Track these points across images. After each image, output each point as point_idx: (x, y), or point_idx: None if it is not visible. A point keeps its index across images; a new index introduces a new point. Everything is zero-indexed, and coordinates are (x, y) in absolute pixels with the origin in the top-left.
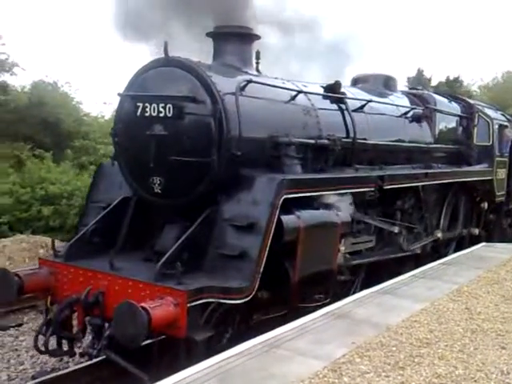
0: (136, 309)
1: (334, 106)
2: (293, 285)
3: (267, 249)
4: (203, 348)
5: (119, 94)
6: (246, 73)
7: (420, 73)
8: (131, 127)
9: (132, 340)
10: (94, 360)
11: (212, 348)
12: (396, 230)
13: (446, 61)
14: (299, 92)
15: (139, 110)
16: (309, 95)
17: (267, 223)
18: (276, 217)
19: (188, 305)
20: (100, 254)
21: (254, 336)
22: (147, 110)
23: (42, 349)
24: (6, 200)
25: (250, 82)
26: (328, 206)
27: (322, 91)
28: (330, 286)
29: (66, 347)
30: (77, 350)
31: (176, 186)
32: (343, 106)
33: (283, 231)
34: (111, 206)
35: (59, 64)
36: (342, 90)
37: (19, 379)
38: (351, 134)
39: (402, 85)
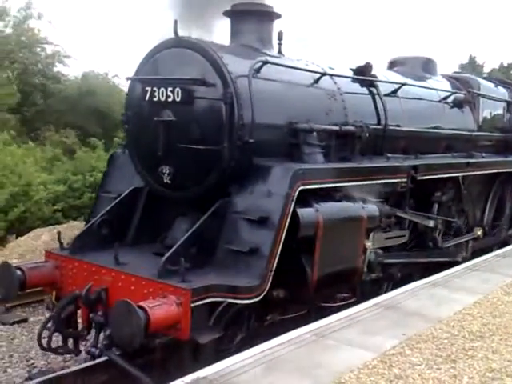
0: (132, 308)
1: (364, 90)
2: (311, 283)
3: (280, 245)
4: (210, 351)
5: (128, 78)
6: (265, 54)
7: (472, 59)
8: (140, 113)
9: (128, 342)
10: (97, 360)
11: (221, 351)
12: (431, 224)
13: (499, 47)
14: (323, 74)
15: (147, 95)
16: (335, 78)
17: (280, 217)
18: (290, 210)
19: (192, 304)
20: (108, 247)
21: (269, 338)
22: (155, 94)
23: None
24: (61, 188)
25: (265, 63)
26: (352, 199)
27: (351, 74)
28: (356, 285)
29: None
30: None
31: (185, 176)
32: (374, 90)
33: (299, 226)
34: (121, 197)
35: (109, 56)
36: (374, 72)
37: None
38: (382, 121)
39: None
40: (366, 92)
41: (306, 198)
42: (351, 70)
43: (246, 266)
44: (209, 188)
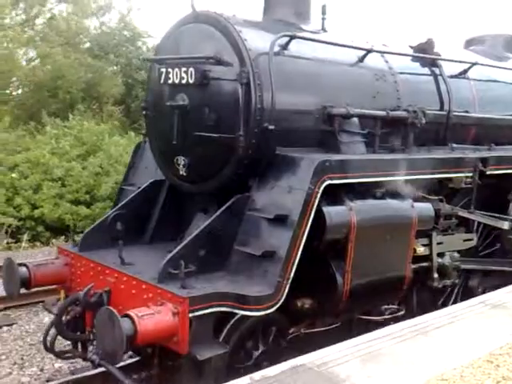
0: (114, 318)
1: (424, 70)
2: (341, 294)
3: (300, 248)
4: (213, 369)
5: (144, 59)
6: (300, 29)
7: None
8: (156, 97)
9: (111, 354)
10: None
11: (234, 369)
12: (506, 226)
13: None
14: (368, 51)
15: (163, 77)
16: (386, 56)
17: (300, 216)
18: (314, 208)
19: (190, 314)
20: (125, 243)
21: (293, 354)
22: (170, 76)
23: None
24: None
25: (292, 37)
26: (399, 196)
27: (409, 52)
28: (403, 296)
29: None
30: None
31: (201, 168)
32: (436, 71)
33: (325, 226)
34: (138, 190)
35: None
36: (438, 50)
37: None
38: (446, 106)
39: None
40: (428, 72)
41: (337, 195)
42: (410, 47)
43: (261, 272)
44: (225, 181)
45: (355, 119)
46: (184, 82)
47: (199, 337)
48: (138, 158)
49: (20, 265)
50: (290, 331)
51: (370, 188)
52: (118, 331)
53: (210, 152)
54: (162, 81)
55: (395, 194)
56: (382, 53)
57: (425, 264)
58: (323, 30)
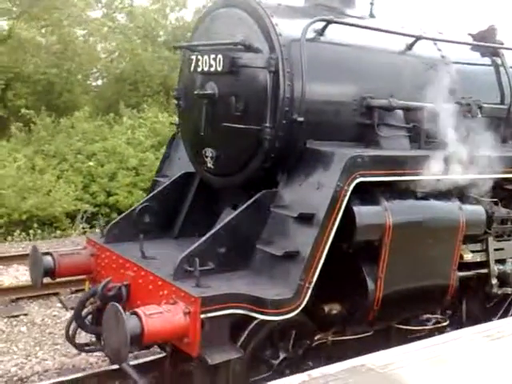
0: (120, 315)
1: (484, 60)
2: (373, 300)
3: (325, 250)
4: (231, 375)
5: (174, 47)
6: (343, 14)
7: None
8: (187, 86)
9: (115, 353)
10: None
11: (251, 377)
12: None
13: None
14: (417, 38)
15: (193, 65)
16: (440, 44)
17: (326, 215)
18: (342, 207)
19: (202, 315)
20: (151, 237)
21: (319, 361)
22: (199, 63)
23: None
24: None
25: (329, 22)
26: (444, 197)
27: (468, 40)
28: (449, 306)
29: None
30: None
31: (228, 161)
32: (498, 61)
33: (355, 227)
34: (168, 182)
35: None
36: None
37: None
38: (507, 99)
39: None
40: (487, 63)
41: (372, 194)
42: (470, 35)
43: (283, 274)
44: (252, 175)
45: (399, 112)
46: (213, 69)
47: (212, 340)
48: (173, 149)
49: (46, 254)
50: (316, 338)
51: (411, 187)
52: (123, 329)
53: (237, 144)
54: (192, 69)
55: (440, 195)
56: (435, 40)
57: (476, 272)
58: (371, 15)
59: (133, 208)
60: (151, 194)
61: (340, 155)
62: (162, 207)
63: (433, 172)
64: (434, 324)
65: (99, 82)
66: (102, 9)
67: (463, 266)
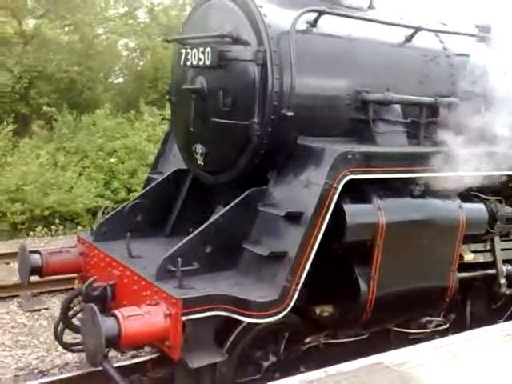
0: (95, 317)
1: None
2: (366, 303)
3: (313, 250)
4: (217, 380)
5: (165, 40)
6: (338, 4)
7: None
8: (178, 81)
9: (92, 355)
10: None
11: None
12: None
13: None
14: (417, 29)
15: (182, 58)
16: (442, 36)
17: (314, 214)
18: (331, 205)
19: (183, 318)
20: (142, 235)
21: (311, 365)
22: (189, 57)
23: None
24: None
25: (321, 13)
26: (443, 195)
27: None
28: (448, 308)
29: None
30: None
31: (218, 157)
32: None
33: (345, 226)
34: (160, 179)
35: None
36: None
37: None
38: None
39: None
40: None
41: (365, 192)
42: (477, 27)
43: (269, 275)
44: (242, 172)
45: (396, 106)
46: (201, 63)
47: (195, 343)
48: (168, 145)
49: (34, 252)
50: (307, 340)
51: (407, 185)
52: (98, 331)
53: (225, 140)
54: (181, 63)
55: (438, 193)
56: (437, 32)
57: (481, 272)
58: (371, 6)
59: (123, 205)
60: (142, 192)
61: (330, 152)
62: (153, 205)
63: (425, 170)
64: (435, 326)
65: (120, 80)
66: (124, 7)
67: (466, 266)
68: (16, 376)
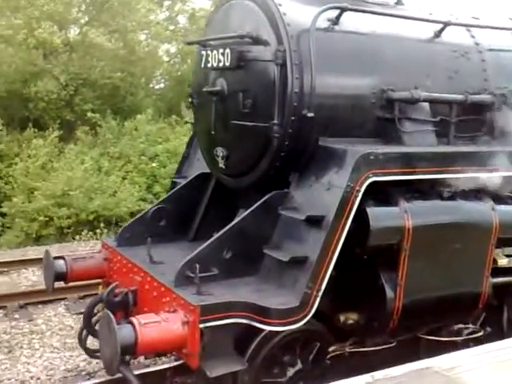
0: (111, 325)
1: None
2: (392, 310)
3: (334, 255)
4: None
5: (184, 42)
6: (364, 1)
7: None
8: (200, 83)
9: (108, 364)
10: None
11: None
12: None
13: None
14: (446, 24)
15: (203, 60)
16: (473, 30)
17: (335, 218)
18: (353, 209)
19: (201, 325)
20: (166, 240)
21: (334, 377)
22: (209, 59)
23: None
24: None
25: (344, 10)
26: (475, 196)
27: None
28: (481, 314)
29: None
30: None
31: (238, 160)
32: None
33: (368, 230)
34: (183, 183)
35: None
36: None
37: None
38: None
39: None
40: None
41: (391, 194)
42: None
43: (290, 281)
44: (263, 176)
45: (424, 104)
46: (221, 65)
47: (213, 351)
48: (193, 149)
49: (59, 258)
50: (331, 349)
51: (436, 186)
52: (114, 339)
53: (246, 143)
54: (202, 65)
55: (470, 195)
56: (468, 26)
57: None
58: (399, 2)
59: (146, 210)
60: (166, 196)
61: (352, 153)
62: (177, 209)
63: (454, 170)
64: (468, 334)
65: (161, 85)
66: (165, 12)
67: (501, 271)
68: (64, 377)
